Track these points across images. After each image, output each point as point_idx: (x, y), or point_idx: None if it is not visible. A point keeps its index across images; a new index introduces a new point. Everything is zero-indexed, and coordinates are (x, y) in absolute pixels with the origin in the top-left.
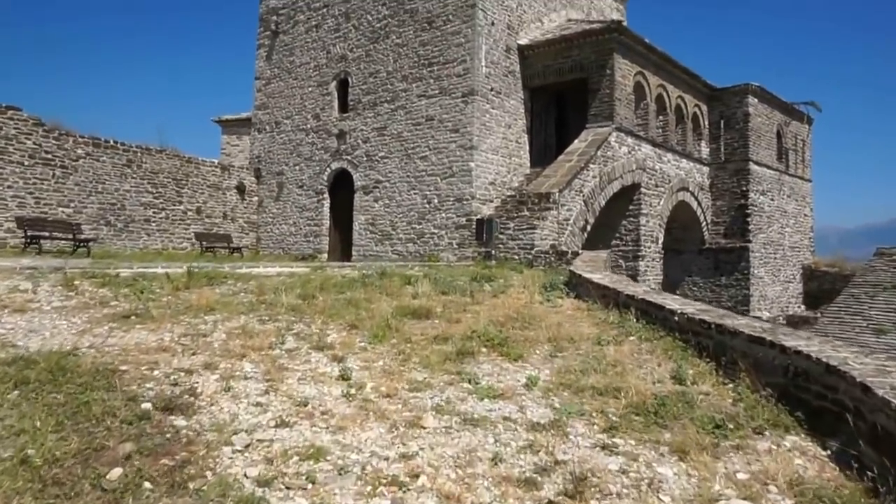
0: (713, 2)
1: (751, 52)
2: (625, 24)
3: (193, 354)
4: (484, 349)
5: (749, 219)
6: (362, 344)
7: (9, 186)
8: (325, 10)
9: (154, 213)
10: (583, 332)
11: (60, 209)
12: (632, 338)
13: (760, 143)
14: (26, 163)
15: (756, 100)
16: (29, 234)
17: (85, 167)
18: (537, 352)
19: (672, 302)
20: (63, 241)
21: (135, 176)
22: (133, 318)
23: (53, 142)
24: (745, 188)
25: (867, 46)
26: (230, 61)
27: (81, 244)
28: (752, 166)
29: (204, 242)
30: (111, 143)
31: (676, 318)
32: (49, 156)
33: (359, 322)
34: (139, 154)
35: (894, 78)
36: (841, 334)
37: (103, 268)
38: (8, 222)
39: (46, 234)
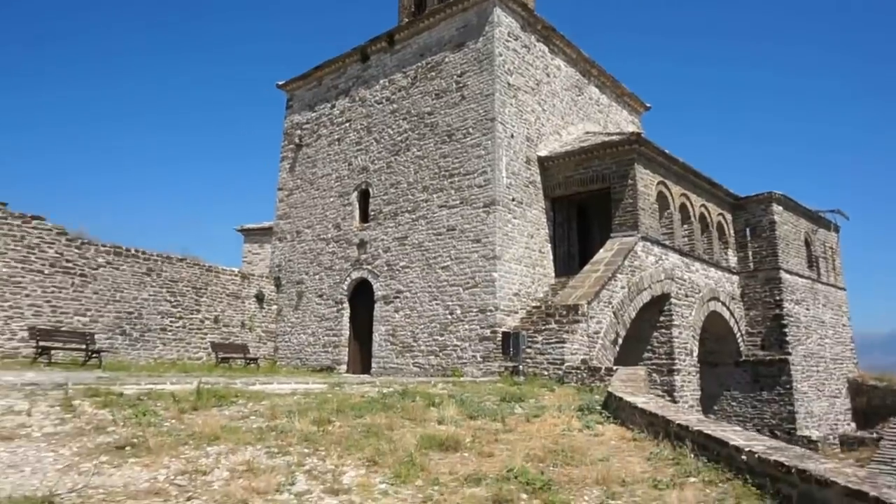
0: (729, 108)
1: (771, 160)
2: (643, 135)
3: (188, 500)
4: (524, 495)
5: (786, 329)
6: (383, 486)
7: (27, 295)
8: (347, 124)
9: (171, 321)
10: (634, 472)
11: (77, 318)
12: (693, 479)
13: (789, 251)
14: (46, 271)
15: (781, 208)
16: (40, 344)
17: (105, 276)
18: (586, 497)
19: (734, 436)
20: (75, 352)
21: (154, 284)
22: (128, 449)
23: (75, 251)
24: (778, 297)
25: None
26: (254, 172)
27: (93, 355)
28: (784, 275)
29: (220, 353)
30: (132, 251)
31: (745, 458)
32: (70, 264)
33: (379, 456)
34: (160, 262)
35: None
36: None
37: (110, 383)
38: (22, 332)
39: (58, 344)
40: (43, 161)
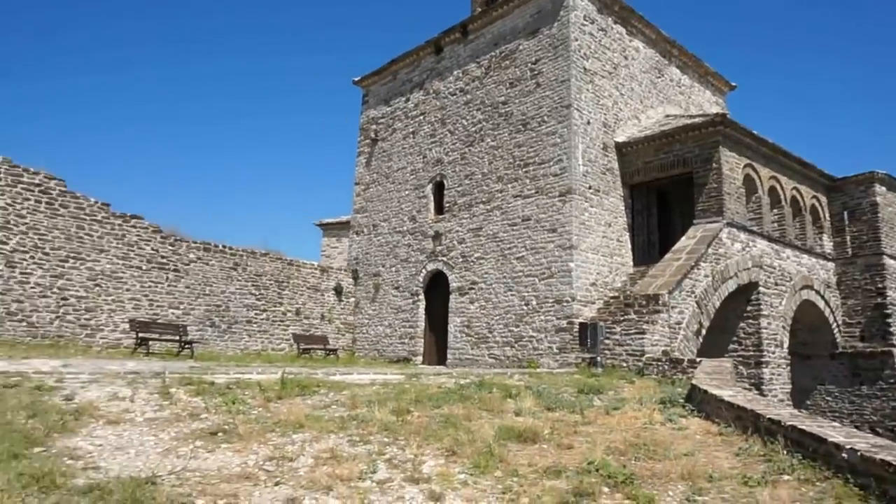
0: (824, 92)
1: (871, 139)
2: (728, 116)
3: (277, 485)
4: (606, 488)
5: (890, 320)
6: (462, 476)
7: (127, 290)
8: (421, 117)
9: (256, 314)
10: (722, 467)
11: (171, 311)
12: (787, 477)
13: (894, 235)
14: (144, 267)
15: (884, 188)
16: (139, 335)
17: (195, 270)
18: (671, 493)
19: (833, 432)
20: (170, 343)
21: (240, 278)
22: (220, 435)
23: (169, 247)
24: (881, 285)
25: None
26: (331, 167)
27: (186, 346)
28: (888, 260)
29: (301, 344)
30: (220, 247)
31: (845, 456)
32: (164, 260)
33: (458, 447)
34: (244, 257)
35: None
36: None
37: (201, 372)
38: (123, 324)
39: (155, 335)
40: (133, 153)
